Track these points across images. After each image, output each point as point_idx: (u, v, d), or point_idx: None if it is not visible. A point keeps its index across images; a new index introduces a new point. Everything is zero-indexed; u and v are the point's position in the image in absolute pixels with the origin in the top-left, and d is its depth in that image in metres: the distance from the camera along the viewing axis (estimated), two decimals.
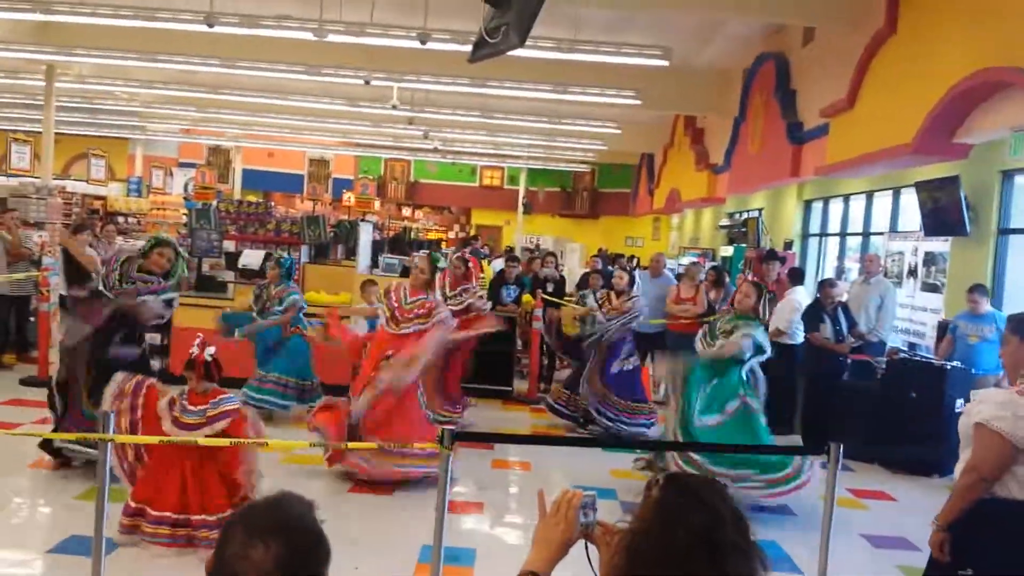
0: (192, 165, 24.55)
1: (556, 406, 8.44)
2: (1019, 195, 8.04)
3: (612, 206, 27.64)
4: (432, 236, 24.85)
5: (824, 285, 8.47)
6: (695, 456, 5.87)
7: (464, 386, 8.24)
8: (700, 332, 6.45)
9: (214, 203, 12.37)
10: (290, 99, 16.14)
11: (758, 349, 6.18)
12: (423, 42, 9.21)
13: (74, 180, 20.84)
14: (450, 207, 30.47)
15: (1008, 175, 8.02)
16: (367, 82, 12.72)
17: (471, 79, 12.28)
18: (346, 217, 16.77)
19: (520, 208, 26.91)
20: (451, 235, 28.63)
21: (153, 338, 8.78)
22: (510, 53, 6.21)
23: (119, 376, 4.76)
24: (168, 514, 4.42)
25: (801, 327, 8.49)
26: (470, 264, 8.50)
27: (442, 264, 6.76)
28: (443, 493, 3.54)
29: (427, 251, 7.57)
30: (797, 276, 9.54)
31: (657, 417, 8.01)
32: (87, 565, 3.67)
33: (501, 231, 28.66)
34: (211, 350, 4.62)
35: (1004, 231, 8.06)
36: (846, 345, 8.25)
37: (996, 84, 6.68)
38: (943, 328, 8.02)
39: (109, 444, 3.71)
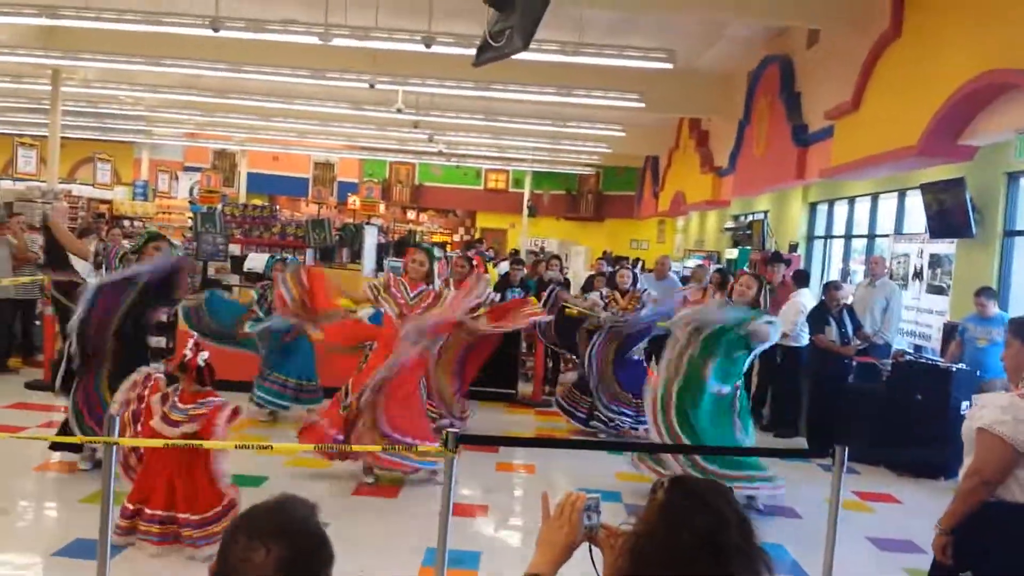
0: (197, 169, 24.65)
1: (564, 404, 8.44)
2: None
3: (617, 209, 27.64)
4: (437, 239, 24.89)
5: (829, 287, 8.45)
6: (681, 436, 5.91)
7: (469, 388, 8.22)
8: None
9: (219, 207, 12.42)
10: (295, 103, 16.20)
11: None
12: (428, 46, 9.23)
13: (80, 184, 20.90)
14: (455, 210, 30.51)
15: (1014, 177, 8.00)
16: (372, 86, 12.77)
17: (476, 82, 12.30)
18: (351, 220, 16.85)
19: (525, 211, 26.93)
20: (456, 238, 28.66)
21: (159, 341, 8.83)
22: (514, 56, 6.22)
23: (137, 375, 4.79)
24: (158, 512, 4.47)
25: (806, 329, 8.47)
26: (475, 264, 8.50)
27: (438, 254, 6.74)
28: (447, 496, 3.54)
29: (417, 245, 7.54)
30: (802, 278, 9.53)
31: None
32: (92, 568, 3.67)
33: (506, 234, 28.69)
34: (204, 355, 4.64)
35: (1010, 233, 8.03)
36: (851, 347, 8.24)
37: (1001, 86, 6.68)
38: (951, 331, 8.00)
39: (114, 447, 3.71)
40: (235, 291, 9.52)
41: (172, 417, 4.52)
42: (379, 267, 10.99)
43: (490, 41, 6.00)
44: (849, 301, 8.64)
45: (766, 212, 14.92)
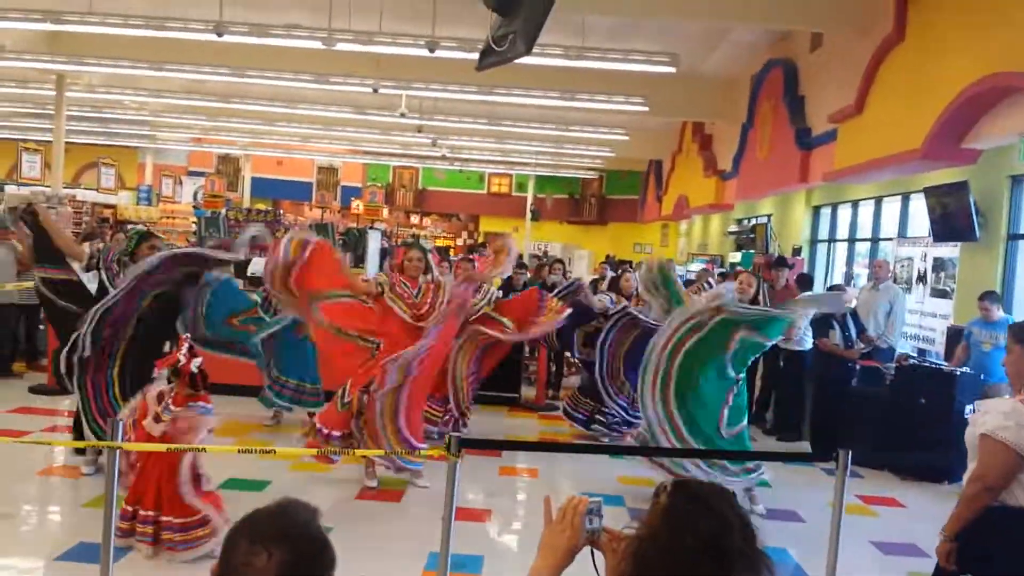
0: (201, 174, 24.70)
1: (567, 408, 8.43)
2: None
3: (620, 213, 27.64)
4: (440, 243, 24.90)
5: (832, 291, 8.44)
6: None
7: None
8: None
9: (223, 211, 12.45)
10: (299, 107, 16.23)
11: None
12: (431, 50, 9.24)
13: (84, 189, 20.95)
14: (458, 214, 30.53)
15: (1017, 180, 7.99)
16: (375, 90, 12.78)
17: (479, 87, 12.32)
18: (355, 225, 16.85)
19: (528, 215, 26.93)
20: (459, 242, 28.67)
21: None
22: (517, 61, 6.23)
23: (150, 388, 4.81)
24: (150, 513, 4.50)
25: (810, 333, 8.46)
26: (476, 264, 8.49)
27: (427, 245, 6.69)
28: (450, 500, 3.54)
29: (407, 244, 7.46)
30: (806, 282, 9.52)
31: None
32: (95, 572, 3.68)
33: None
34: (198, 361, 4.66)
35: (1014, 237, 8.03)
36: (855, 351, 8.23)
37: (1005, 89, 6.67)
38: (956, 335, 7.98)
39: (117, 452, 3.72)
40: None
41: (163, 418, 4.56)
42: (382, 271, 11.00)
43: (493, 46, 6.02)
44: (853, 305, 8.63)
45: (769, 216, 14.92)
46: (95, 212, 18.42)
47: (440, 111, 16.24)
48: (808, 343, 8.56)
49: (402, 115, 14.33)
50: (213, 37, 9.33)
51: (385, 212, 26.50)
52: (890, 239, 10.60)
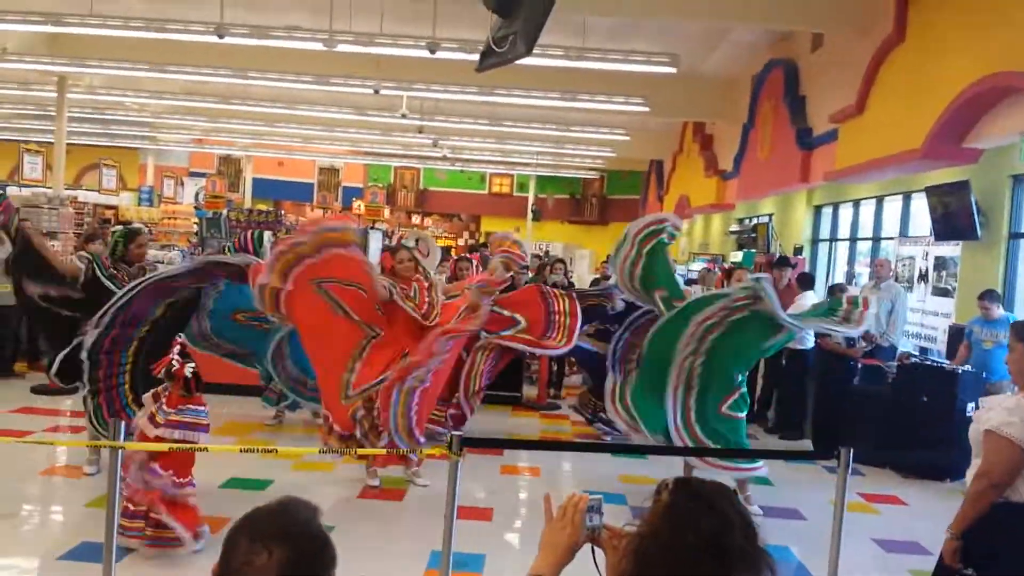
0: (203, 174, 24.72)
1: (578, 408, 8.43)
2: None
3: (621, 212, 27.61)
4: (442, 243, 24.87)
5: (834, 290, 8.44)
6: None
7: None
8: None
9: (224, 212, 12.45)
10: (300, 108, 16.25)
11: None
12: (432, 51, 9.25)
13: (86, 190, 21.01)
14: (459, 214, 30.55)
15: (1018, 179, 7.98)
16: (376, 91, 12.80)
17: (480, 87, 12.33)
18: (356, 225, 16.84)
19: (529, 215, 26.95)
20: (460, 242, 28.68)
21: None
22: (518, 61, 6.23)
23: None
24: (141, 508, 4.52)
25: (812, 332, 8.46)
26: (474, 264, 8.49)
27: (408, 243, 6.64)
28: (452, 498, 3.54)
29: (390, 248, 7.36)
30: (807, 281, 9.51)
31: None
32: (98, 571, 3.68)
33: None
34: (192, 365, 4.67)
35: (1015, 235, 8.02)
36: (857, 350, 8.23)
37: (1005, 89, 6.67)
38: (957, 333, 7.98)
39: (120, 451, 3.72)
40: None
41: (157, 419, 4.57)
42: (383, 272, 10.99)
43: (494, 47, 6.02)
44: (866, 328, 8.59)
45: (771, 215, 14.91)
46: (96, 213, 18.46)
47: (441, 112, 16.25)
48: (810, 342, 8.57)
49: (403, 116, 14.35)
50: (214, 39, 9.35)
51: (386, 212, 26.51)
52: (891, 238, 10.60)
